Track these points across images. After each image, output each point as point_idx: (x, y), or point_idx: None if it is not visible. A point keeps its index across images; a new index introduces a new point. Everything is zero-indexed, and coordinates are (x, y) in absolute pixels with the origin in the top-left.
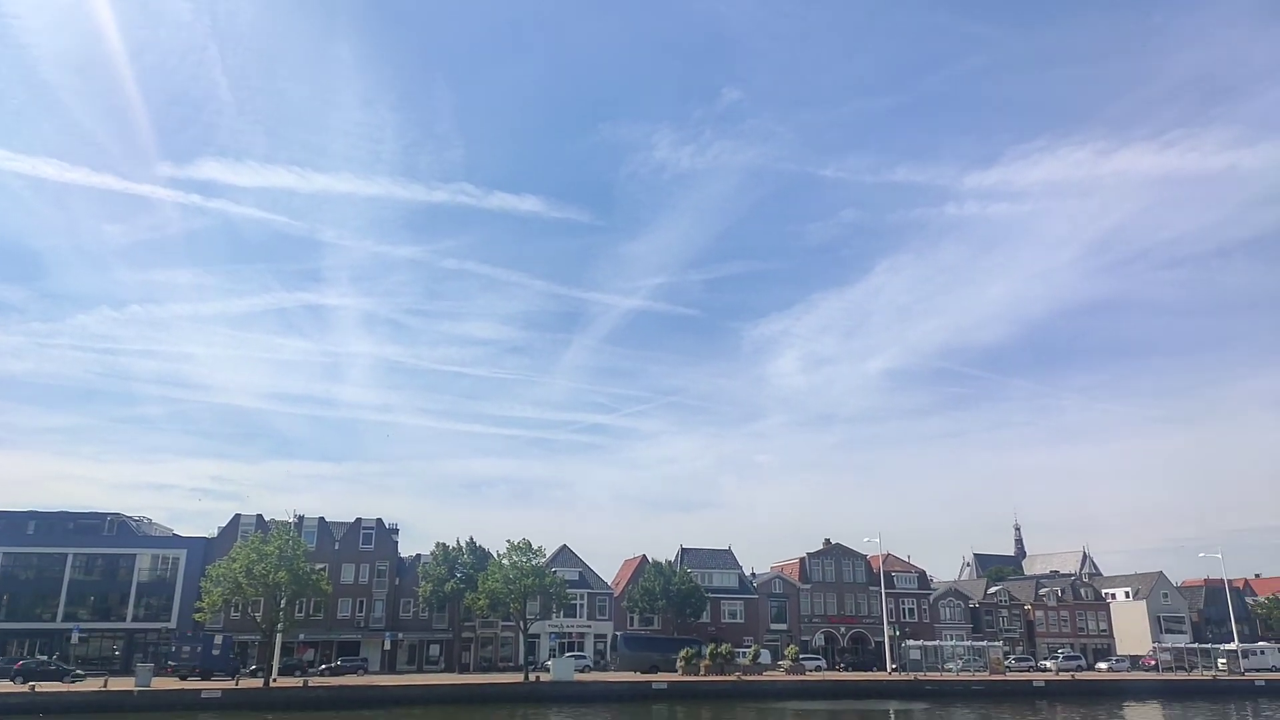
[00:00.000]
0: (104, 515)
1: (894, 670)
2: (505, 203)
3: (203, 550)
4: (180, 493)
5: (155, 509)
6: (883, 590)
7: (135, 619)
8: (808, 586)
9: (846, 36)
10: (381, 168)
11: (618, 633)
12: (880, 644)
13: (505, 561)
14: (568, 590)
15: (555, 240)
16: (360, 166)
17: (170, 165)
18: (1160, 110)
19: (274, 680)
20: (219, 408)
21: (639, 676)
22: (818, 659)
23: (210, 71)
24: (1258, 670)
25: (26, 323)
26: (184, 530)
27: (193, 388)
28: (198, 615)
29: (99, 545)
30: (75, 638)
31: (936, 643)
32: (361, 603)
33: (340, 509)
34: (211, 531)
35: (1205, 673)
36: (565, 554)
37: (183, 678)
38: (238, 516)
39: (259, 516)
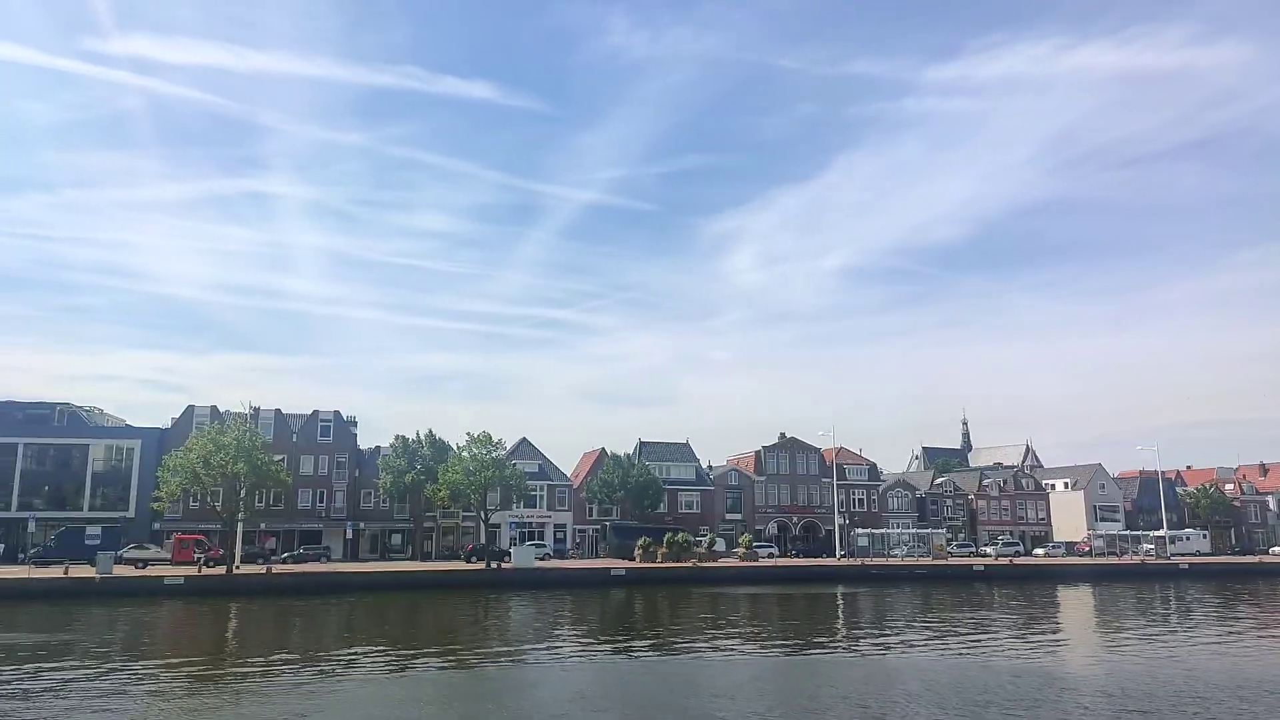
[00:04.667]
0: (53, 405)
1: (843, 556)
2: (455, 88)
3: (157, 441)
4: (126, 384)
5: (101, 401)
6: (834, 482)
7: (92, 508)
8: (762, 478)
9: None
10: (322, 46)
11: (607, 521)
12: (830, 532)
13: (465, 454)
14: (527, 482)
15: (507, 130)
16: (299, 45)
17: (94, 39)
18: (1122, 3)
19: (237, 568)
20: (162, 298)
21: (599, 563)
22: (770, 546)
23: None
24: (1183, 555)
25: None
26: (133, 421)
27: (133, 277)
28: (155, 504)
29: (50, 435)
30: (32, 526)
31: (884, 530)
32: (322, 493)
33: (294, 402)
34: (164, 423)
35: (1134, 557)
36: (525, 447)
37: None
38: (191, 407)
39: (213, 408)
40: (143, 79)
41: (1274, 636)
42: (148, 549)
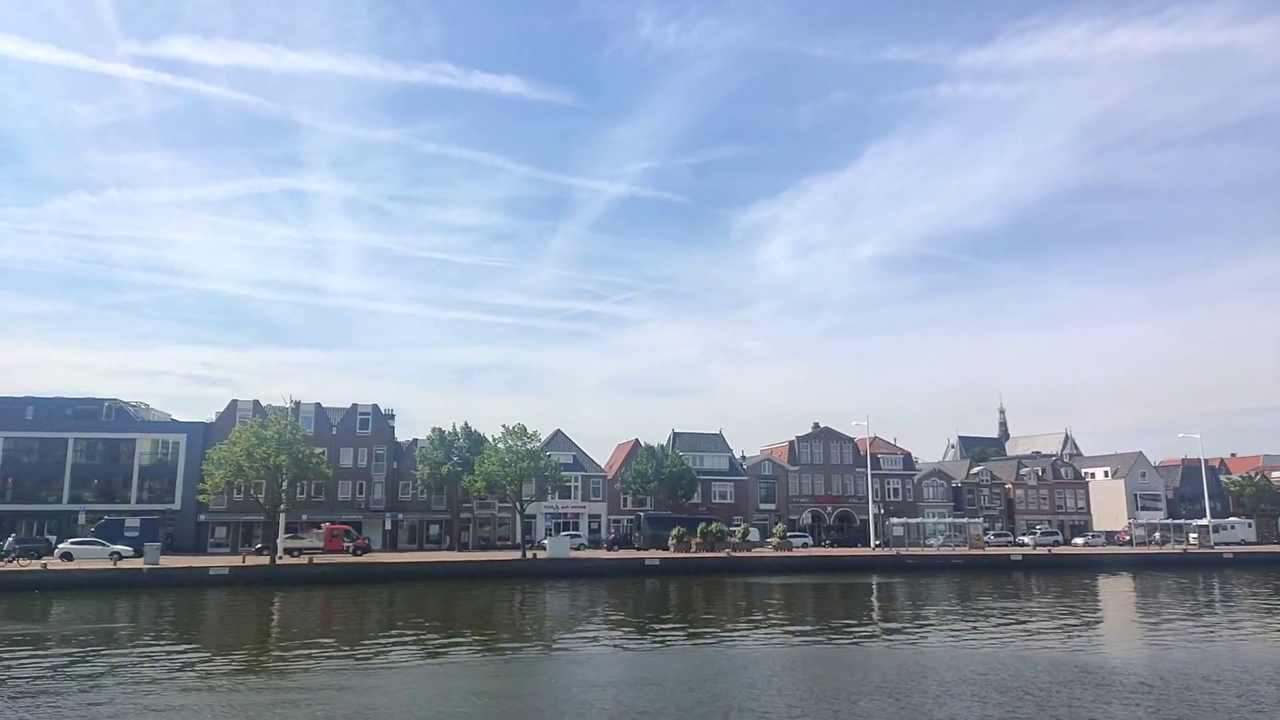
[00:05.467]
0: (101, 401)
1: (877, 546)
2: (486, 84)
3: (202, 435)
4: (172, 379)
5: (148, 395)
6: (869, 471)
7: (139, 501)
8: (796, 468)
9: None
10: (355, 45)
11: (641, 512)
12: (865, 522)
13: (501, 446)
14: (562, 473)
15: (538, 124)
16: (333, 44)
17: (136, 43)
18: None
19: (280, 558)
20: (205, 295)
21: (634, 553)
22: (804, 536)
23: None
24: (1227, 544)
25: (3, 208)
26: (179, 415)
27: (177, 275)
28: (201, 497)
29: (99, 430)
30: (82, 518)
31: (919, 520)
32: (361, 485)
33: (334, 395)
34: (208, 416)
35: (1177, 546)
36: (559, 438)
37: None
38: (234, 402)
39: (255, 402)
40: (183, 81)
41: None
42: (302, 538)
